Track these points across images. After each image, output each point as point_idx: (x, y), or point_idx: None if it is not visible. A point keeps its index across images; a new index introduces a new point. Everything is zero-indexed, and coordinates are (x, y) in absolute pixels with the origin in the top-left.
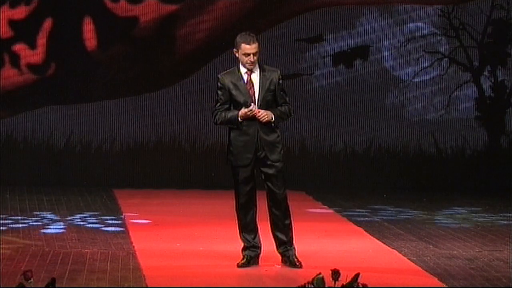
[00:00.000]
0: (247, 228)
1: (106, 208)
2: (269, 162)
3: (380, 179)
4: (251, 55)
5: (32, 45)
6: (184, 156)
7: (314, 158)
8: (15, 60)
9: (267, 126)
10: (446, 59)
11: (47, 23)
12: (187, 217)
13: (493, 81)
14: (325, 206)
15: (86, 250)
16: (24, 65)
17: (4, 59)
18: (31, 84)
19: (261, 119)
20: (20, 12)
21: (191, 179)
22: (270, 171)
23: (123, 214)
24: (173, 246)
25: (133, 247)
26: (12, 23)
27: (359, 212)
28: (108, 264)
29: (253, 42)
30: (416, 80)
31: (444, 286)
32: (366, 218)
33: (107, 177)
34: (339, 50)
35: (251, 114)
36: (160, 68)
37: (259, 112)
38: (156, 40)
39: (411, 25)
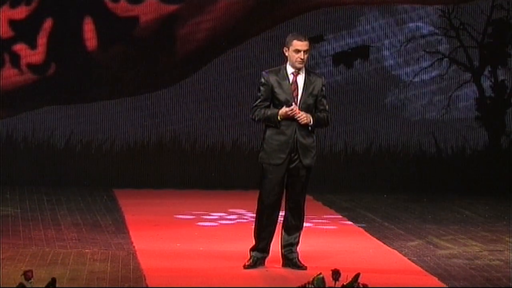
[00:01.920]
0: (266, 230)
1: (106, 208)
2: (300, 165)
3: (380, 179)
4: (302, 52)
5: (32, 45)
6: (184, 156)
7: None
8: (15, 60)
9: (305, 129)
10: (446, 59)
11: (47, 23)
12: (187, 217)
13: (493, 81)
14: (326, 206)
15: (86, 250)
16: (24, 65)
17: (4, 59)
18: (31, 84)
19: (300, 121)
20: (20, 12)
21: (191, 179)
22: (299, 175)
23: (124, 214)
24: (173, 246)
25: (133, 247)
26: (12, 23)
27: (359, 212)
28: (108, 264)
29: (305, 40)
30: (416, 80)
31: (444, 286)
32: (366, 218)
33: (107, 177)
34: (339, 50)
35: (291, 114)
36: (160, 68)
37: (299, 113)
38: (156, 40)
39: (411, 25)
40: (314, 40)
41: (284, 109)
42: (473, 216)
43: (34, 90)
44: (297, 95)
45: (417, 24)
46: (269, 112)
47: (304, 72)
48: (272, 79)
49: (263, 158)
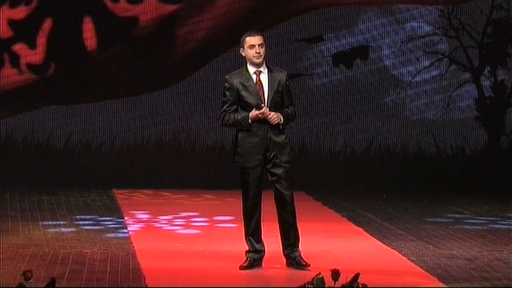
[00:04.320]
0: (252, 230)
1: (106, 208)
2: (278, 163)
3: (380, 179)
4: (257, 47)
5: (32, 45)
6: (184, 156)
7: (314, 158)
8: (15, 60)
9: (276, 127)
10: (446, 59)
11: (47, 23)
12: (187, 217)
13: (493, 81)
14: (325, 206)
15: (86, 250)
16: (24, 65)
17: (4, 59)
18: (31, 84)
19: (271, 121)
20: (20, 12)
21: (191, 179)
22: (279, 172)
23: (123, 214)
24: (173, 246)
25: (133, 247)
26: (12, 23)
27: (359, 212)
28: (108, 264)
29: (257, 34)
30: (416, 79)
31: (444, 286)
32: (366, 218)
33: (107, 177)
34: (339, 50)
35: (262, 117)
36: (160, 68)
37: (270, 114)
38: (156, 40)
39: (411, 24)
40: (314, 40)
41: (254, 112)
42: (473, 216)
43: (34, 90)
44: (263, 94)
45: (417, 23)
46: (238, 116)
47: (266, 69)
48: (236, 81)
49: (239, 162)
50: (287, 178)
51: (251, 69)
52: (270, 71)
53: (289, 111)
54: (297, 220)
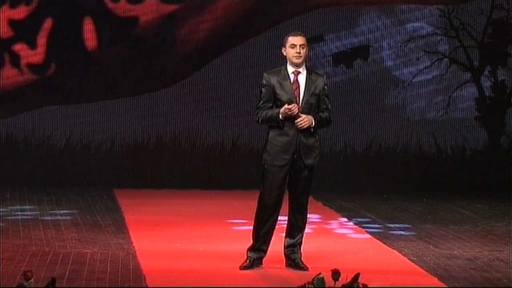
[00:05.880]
0: (265, 229)
1: (106, 208)
2: (302, 165)
3: (380, 179)
4: (298, 47)
5: (32, 45)
6: (184, 156)
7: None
8: (15, 60)
9: (307, 129)
10: (446, 59)
11: (47, 23)
12: (187, 217)
13: (493, 81)
14: (325, 206)
15: (86, 250)
16: (24, 65)
17: (4, 59)
18: (31, 84)
19: (299, 126)
20: (20, 12)
21: (191, 179)
22: (301, 175)
23: (123, 214)
24: (173, 246)
25: (133, 247)
26: (12, 23)
27: (359, 211)
28: (108, 264)
29: (300, 35)
30: (416, 80)
31: (444, 286)
32: (366, 218)
33: (107, 177)
34: (339, 50)
35: (290, 113)
36: (160, 68)
37: (299, 116)
38: (156, 40)
39: (411, 25)
40: (314, 40)
41: (284, 107)
42: (473, 216)
43: (34, 90)
44: (298, 94)
45: (417, 24)
46: (270, 112)
47: (305, 71)
48: (273, 80)
49: (267, 160)
50: (307, 182)
51: (290, 69)
52: (309, 73)
53: (323, 116)
54: (306, 224)
